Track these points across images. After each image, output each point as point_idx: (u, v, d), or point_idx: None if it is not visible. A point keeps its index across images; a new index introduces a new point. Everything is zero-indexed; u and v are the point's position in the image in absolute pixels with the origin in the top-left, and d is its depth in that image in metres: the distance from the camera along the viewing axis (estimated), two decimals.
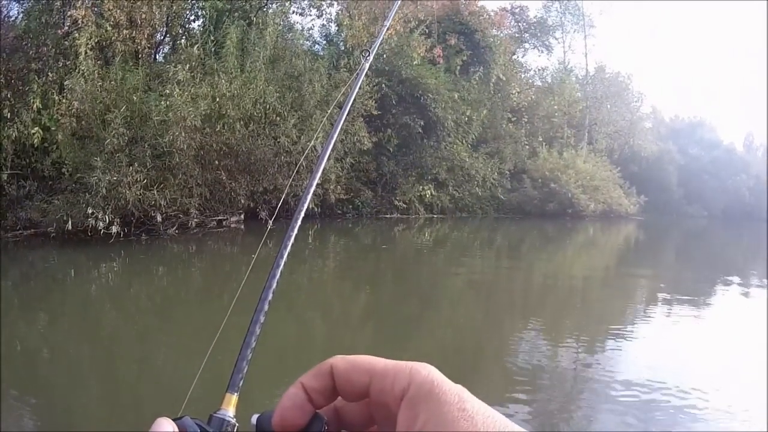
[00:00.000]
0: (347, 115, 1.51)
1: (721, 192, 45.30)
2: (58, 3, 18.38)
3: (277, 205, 19.91)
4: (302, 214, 0.91)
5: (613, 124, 40.33)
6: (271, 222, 18.20)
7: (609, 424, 5.18)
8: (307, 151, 18.33)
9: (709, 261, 19.56)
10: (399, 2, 2.56)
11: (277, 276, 0.80)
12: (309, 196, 0.97)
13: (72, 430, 4.89)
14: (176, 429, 0.55)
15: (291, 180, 18.67)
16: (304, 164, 19.89)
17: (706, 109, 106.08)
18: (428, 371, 0.51)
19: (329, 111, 19.13)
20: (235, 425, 0.62)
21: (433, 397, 0.49)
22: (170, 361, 6.95)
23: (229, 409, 0.63)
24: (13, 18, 19.50)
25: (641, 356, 7.48)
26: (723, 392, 6.01)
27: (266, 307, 0.77)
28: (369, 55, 1.61)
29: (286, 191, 18.64)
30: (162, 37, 22.38)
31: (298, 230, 0.88)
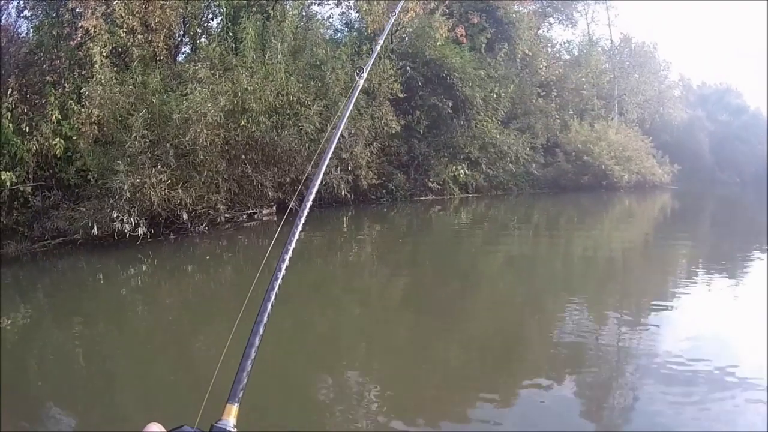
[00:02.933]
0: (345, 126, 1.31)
1: (751, 157, 42.96)
2: (68, 15, 17.27)
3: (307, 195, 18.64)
4: (299, 227, 0.94)
5: (642, 94, 37.67)
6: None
7: (653, 398, 4.98)
8: (329, 137, 16.83)
9: (746, 228, 18.07)
10: (393, 20, 2.80)
11: (275, 289, 0.80)
12: (307, 206, 1.04)
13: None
14: None
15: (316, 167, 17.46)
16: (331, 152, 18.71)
17: (731, 74, 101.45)
18: None
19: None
20: None
21: None
22: (209, 360, 6.23)
23: (230, 419, 0.62)
24: (23, 34, 18.57)
25: (684, 328, 7.07)
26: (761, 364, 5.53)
27: (265, 320, 0.76)
28: (363, 72, 1.66)
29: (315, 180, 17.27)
30: (180, 38, 21.03)
31: (299, 235, 0.91)
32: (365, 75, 1.69)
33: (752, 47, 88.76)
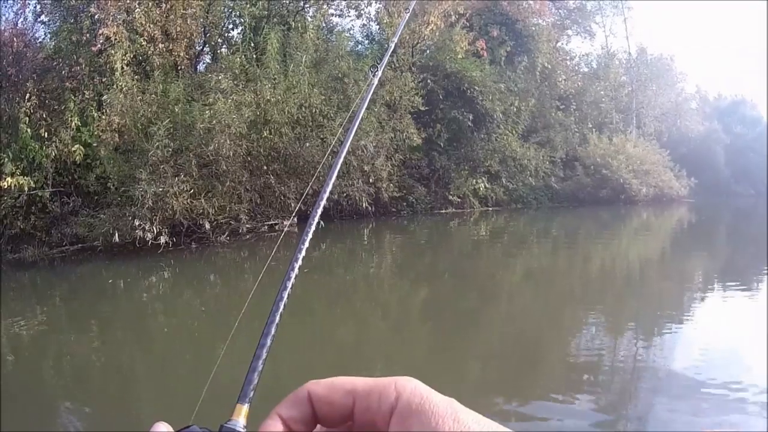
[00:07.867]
0: (358, 127, 1.32)
1: (765, 169, 42.17)
2: (87, 22, 16.83)
3: (328, 206, 18.20)
4: (312, 229, 0.84)
5: (660, 107, 37.23)
6: (323, 223, 16.40)
7: (666, 414, 4.90)
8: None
9: (761, 242, 17.29)
10: (408, 17, 3.28)
11: (288, 288, 0.72)
12: (319, 210, 0.92)
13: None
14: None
15: (335, 179, 17.09)
16: (354, 164, 18.25)
17: (746, 81, 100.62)
18: (414, 384, 0.46)
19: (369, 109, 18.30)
20: None
21: (425, 410, 0.44)
22: (224, 365, 5.62)
23: (240, 420, 0.55)
24: (40, 39, 18.18)
25: (698, 344, 6.89)
26: None
27: (277, 319, 0.69)
28: (377, 71, 1.57)
29: (333, 191, 17.39)
30: (201, 48, 20.64)
31: (309, 242, 0.80)
32: (380, 73, 1.57)
33: (758, 48, 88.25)
